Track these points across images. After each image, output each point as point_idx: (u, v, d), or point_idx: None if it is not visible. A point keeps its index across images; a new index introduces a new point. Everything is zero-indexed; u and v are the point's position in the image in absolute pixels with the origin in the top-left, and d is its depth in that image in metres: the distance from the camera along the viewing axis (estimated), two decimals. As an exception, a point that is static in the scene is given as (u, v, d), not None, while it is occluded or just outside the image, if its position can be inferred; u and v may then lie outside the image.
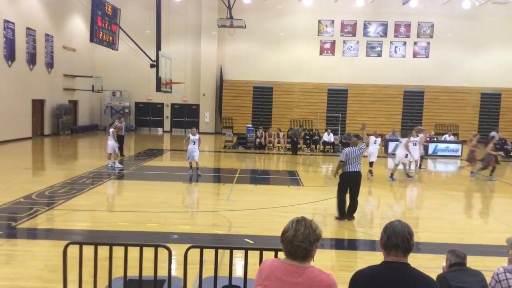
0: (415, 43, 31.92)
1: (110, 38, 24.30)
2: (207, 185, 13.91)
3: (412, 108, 31.56)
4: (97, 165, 15.86)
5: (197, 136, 14.12)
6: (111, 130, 15.40)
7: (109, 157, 15.49)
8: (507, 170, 20.02)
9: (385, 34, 31.83)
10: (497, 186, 15.41)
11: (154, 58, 16.56)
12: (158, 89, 16.90)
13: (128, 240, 7.21)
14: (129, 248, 4.42)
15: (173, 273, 5.43)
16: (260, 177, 15.74)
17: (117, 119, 18.49)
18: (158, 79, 16.50)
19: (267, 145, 23.25)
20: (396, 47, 31.96)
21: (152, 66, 16.63)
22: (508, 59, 31.19)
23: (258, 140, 23.23)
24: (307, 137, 23.51)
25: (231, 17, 24.95)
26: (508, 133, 27.54)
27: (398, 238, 2.58)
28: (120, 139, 17.37)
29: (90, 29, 22.82)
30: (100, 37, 22.92)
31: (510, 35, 31.05)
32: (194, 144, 13.98)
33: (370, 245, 7.85)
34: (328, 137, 23.05)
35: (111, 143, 15.21)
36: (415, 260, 6.75)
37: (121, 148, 17.76)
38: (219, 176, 15.62)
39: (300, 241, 2.47)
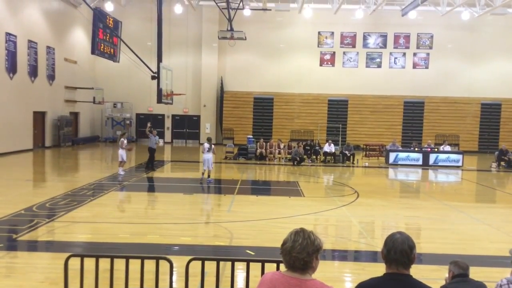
0: (414, 54, 32.06)
1: (112, 50, 24.39)
2: (208, 196, 13.90)
3: (412, 118, 31.60)
4: (98, 176, 15.86)
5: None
6: (122, 139, 16.33)
7: (119, 164, 16.18)
8: (510, 180, 19.99)
9: (384, 45, 32.00)
10: (499, 196, 15.39)
11: (155, 69, 16.64)
12: (159, 100, 16.96)
13: (129, 252, 7.18)
14: (130, 260, 4.41)
15: (174, 285, 5.41)
16: (261, 188, 15.72)
17: (150, 132, 18.44)
18: (159, 91, 16.57)
19: (268, 156, 23.26)
20: (395, 58, 32.11)
21: (153, 77, 16.71)
22: (507, 69, 31.30)
23: (259, 151, 23.24)
24: (308, 147, 23.51)
25: (231, 29, 25.12)
26: (508, 143, 27.53)
27: (397, 253, 2.58)
28: (152, 152, 18.04)
29: (91, 41, 22.92)
30: (102, 49, 23.00)
31: (509, 46, 31.21)
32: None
33: (372, 256, 7.81)
34: (329, 147, 23.06)
35: (121, 152, 16.04)
36: (417, 271, 6.71)
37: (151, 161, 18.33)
38: (220, 187, 15.60)
39: (297, 252, 2.46)
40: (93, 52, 23.00)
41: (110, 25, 22.57)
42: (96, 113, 32.42)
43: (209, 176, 15.43)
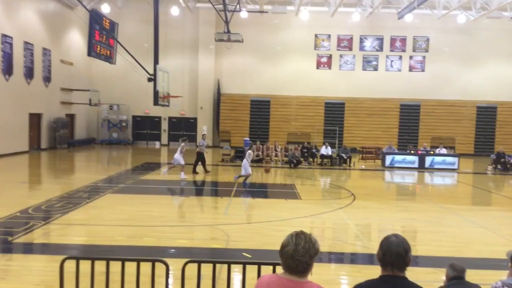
0: (411, 57, 32.16)
1: (108, 52, 24.43)
2: (204, 199, 13.88)
3: (409, 121, 31.69)
4: (94, 179, 15.80)
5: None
6: (183, 144, 16.96)
7: (181, 169, 16.70)
8: (505, 183, 20.06)
9: (381, 48, 32.09)
10: (495, 199, 15.44)
11: (151, 72, 16.61)
12: (156, 102, 16.94)
13: (125, 254, 7.16)
14: (126, 263, 4.39)
15: (171, 288, 5.39)
16: (257, 191, 15.71)
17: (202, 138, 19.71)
18: (156, 93, 16.55)
19: (264, 158, 23.25)
20: (392, 61, 32.20)
21: (149, 80, 16.68)
22: (503, 73, 31.46)
23: (255, 153, 23.21)
24: (305, 150, 23.54)
25: (228, 31, 25.14)
26: (504, 146, 27.61)
27: (392, 256, 2.58)
28: (201, 156, 18.55)
29: (87, 43, 22.93)
30: (98, 51, 23.04)
31: (504, 49, 31.37)
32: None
33: (368, 259, 7.82)
34: (325, 150, 23.07)
35: (178, 156, 16.60)
36: (414, 274, 6.73)
37: (203, 164, 18.69)
38: (216, 189, 15.59)
39: (301, 255, 2.46)
40: (89, 54, 23.03)
41: (106, 26, 22.57)
42: (92, 115, 32.34)
43: (246, 179, 15.78)
